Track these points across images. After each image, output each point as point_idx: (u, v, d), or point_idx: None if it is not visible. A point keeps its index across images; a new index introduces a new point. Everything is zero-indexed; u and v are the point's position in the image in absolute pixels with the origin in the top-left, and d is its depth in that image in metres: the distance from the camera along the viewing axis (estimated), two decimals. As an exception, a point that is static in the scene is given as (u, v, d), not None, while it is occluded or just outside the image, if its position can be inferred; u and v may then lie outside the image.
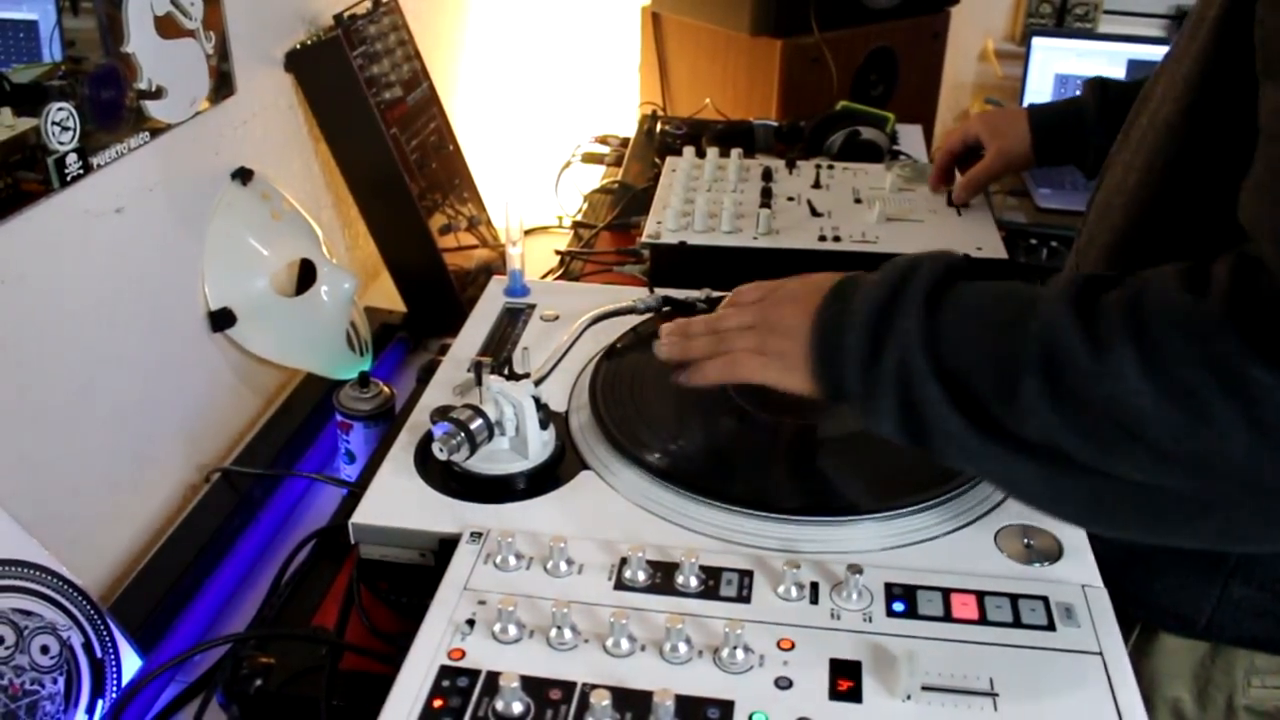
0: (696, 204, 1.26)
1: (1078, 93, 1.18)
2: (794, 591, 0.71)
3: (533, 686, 0.63)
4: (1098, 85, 1.16)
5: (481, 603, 0.70)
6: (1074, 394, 0.59)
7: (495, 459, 0.84)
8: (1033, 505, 0.70)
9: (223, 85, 1.22)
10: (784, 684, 0.64)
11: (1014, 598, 0.71)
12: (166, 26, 1.10)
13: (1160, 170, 0.78)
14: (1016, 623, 0.69)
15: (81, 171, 0.99)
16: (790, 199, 1.34)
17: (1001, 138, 1.25)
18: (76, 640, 0.91)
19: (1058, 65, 2.26)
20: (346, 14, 1.43)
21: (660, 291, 1.07)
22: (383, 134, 1.44)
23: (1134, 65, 2.20)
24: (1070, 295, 0.60)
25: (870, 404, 0.68)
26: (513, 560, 0.73)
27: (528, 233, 1.57)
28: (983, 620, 0.69)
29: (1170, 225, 0.78)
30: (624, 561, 0.73)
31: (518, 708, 0.61)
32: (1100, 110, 1.13)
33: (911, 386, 0.65)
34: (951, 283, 0.67)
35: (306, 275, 1.33)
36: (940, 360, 0.64)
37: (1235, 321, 0.54)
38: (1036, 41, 2.26)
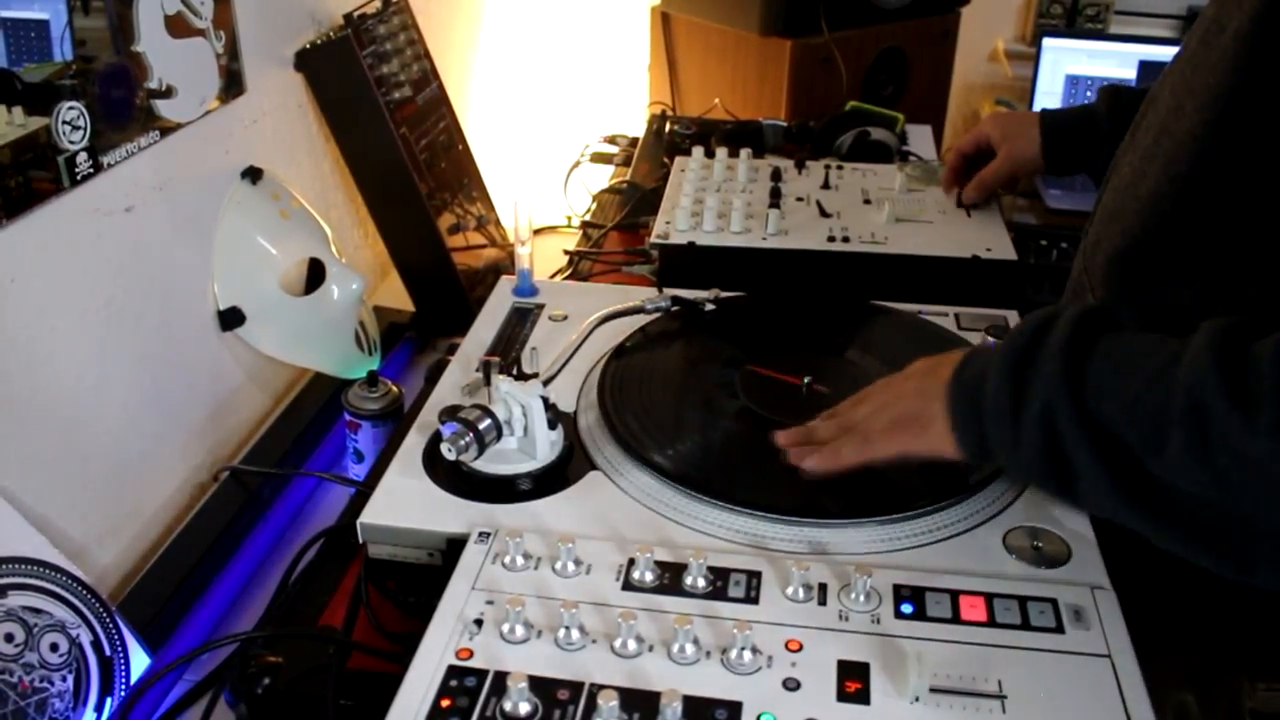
0: (705, 204, 1.26)
1: (1089, 95, 1.17)
2: (802, 592, 0.71)
3: (540, 686, 0.63)
4: (1111, 92, 1.14)
5: (489, 602, 0.70)
6: (1223, 450, 0.57)
7: (503, 459, 0.84)
8: (1183, 555, 0.68)
9: (233, 84, 1.22)
10: (792, 685, 0.64)
11: (1023, 600, 0.70)
12: (177, 26, 1.10)
13: (1182, 181, 0.76)
14: (1025, 625, 0.69)
15: (92, 170, 0.99)
16: (799, 199, 1.33)
17: (1012, 141, 1.24)
18: (85, 638, 0.91)
19: (1069, 66, 2.25)
20: (356, 14, 1.43)
21: (669, 291, 1.07)
22: (392, 133, 1.44)
23: (1145, 66, 2.19)
24: (1214, 343, 0.59)
25: (1015, 451, 0.67)
26: (521, 560, 0.73)
27: (536, 232, 1.57)
28: (991, 622, 0.69)
29: (1188, 235, 0.77)
30: (632, 562, 0.73)
31: (525, 708, 0.61)
32: (1112, 117, 1.11)
33: (1057, 431, 0.64)
34: (1091, 331, 0.66)
35: (315, 274, 1.33)
36: (1085, 406, 0.63)
37: None
38: (1047, 42, 2.25)
